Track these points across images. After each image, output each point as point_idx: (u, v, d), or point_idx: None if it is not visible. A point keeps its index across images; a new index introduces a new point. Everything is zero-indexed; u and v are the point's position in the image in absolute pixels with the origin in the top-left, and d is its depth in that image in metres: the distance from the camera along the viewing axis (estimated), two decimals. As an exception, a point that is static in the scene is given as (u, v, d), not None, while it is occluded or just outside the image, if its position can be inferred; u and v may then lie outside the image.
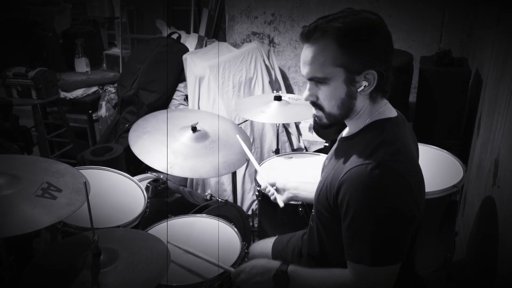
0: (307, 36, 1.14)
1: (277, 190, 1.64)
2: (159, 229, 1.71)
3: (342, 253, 1.17)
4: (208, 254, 1.51)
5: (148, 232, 1.65)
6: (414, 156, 1.21)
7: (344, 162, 1.17)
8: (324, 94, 1.17)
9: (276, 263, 1.29)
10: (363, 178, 1.08)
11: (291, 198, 1.63)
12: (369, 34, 1.11)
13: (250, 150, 1.79)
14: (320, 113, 1.22)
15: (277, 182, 1.64)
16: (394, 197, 1.09)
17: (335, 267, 1.22)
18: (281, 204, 1.58)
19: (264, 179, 1.69)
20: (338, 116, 1.20)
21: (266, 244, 1.69)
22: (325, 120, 1.22)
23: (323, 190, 1.23)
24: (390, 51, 1.16)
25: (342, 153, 1.23)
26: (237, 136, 1.87)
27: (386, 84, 1.18)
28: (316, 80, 1.16)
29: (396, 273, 1.13)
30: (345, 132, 1.32)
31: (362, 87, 1.13)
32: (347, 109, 1.18)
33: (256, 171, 1.83)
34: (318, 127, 1.26)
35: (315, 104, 1.21)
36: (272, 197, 1.63)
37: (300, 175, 2.05)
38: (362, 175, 1.09)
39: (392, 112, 1.24)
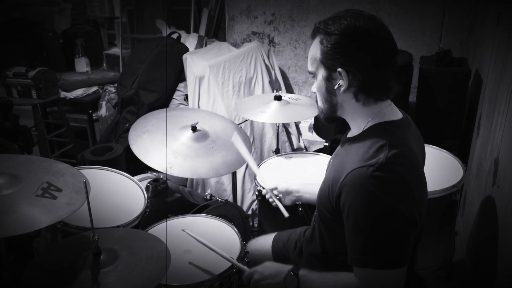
0: (311, 34, 1.25)
1: (278, 194, 1.63)
2: (159, 229, 1.71)
3: (344, 254, 1.17)
4: (221, 249, 1.50)
5: (148, 232, 1.64)
6: (418, 159, 1.20)
7: (346, 164, 1.17)
8: (315, 88, 1.27)
9: (287, 266, 1.32)
10: (364, 180, 1.08)
11: (295, 201, 1.63)
12: (351, 38, 1.14)
13: (250, 151, 1.78)
14: (317, 106, 1.30)
15: (279, 186, 1.63)
16: (395, 199, 1.08)
17: (337, 267, 1.23)
18: (286, 214, 1.57)
19: (264, 185, 1.67)
20: (325, 110, 1.27)
21: (265, 241, 1.69)
22: (320, 113, 1.30)
23: (325, 191, 1.23)
24: (378, 59, 1.16)
25: (344, 155, 1.23)
26: (233, 142, 1.78)
27: (373, 88, 1.18)
28: (310, 74, 1.26)
29: (402, 277, 1.12)
30: (348, 133, 1.32)
31: (337, 85, 1.18)
32: (330, 104, 1.24)
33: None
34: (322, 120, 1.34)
35: (316, 97, 1.30)
36: (273, 204, 1.63)
37: (300, 175, 2.05)
38: (363, 177, 1.09)
39: (396, 115, 1.23)
